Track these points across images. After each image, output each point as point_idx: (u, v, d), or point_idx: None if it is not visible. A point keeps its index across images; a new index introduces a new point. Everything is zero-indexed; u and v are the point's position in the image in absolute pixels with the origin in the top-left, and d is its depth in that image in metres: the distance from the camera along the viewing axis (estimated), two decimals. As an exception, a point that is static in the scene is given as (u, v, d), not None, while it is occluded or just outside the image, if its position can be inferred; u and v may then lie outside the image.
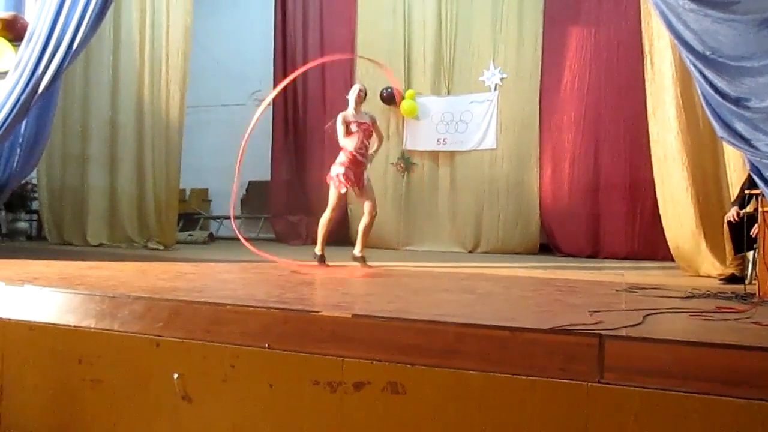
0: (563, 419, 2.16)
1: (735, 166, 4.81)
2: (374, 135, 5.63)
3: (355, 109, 5.54)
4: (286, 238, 9.09)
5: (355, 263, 5.48)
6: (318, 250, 5.54)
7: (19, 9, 5.98)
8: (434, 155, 8.53)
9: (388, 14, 8.68)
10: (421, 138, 8.58)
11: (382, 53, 8.52)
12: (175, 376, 2.69)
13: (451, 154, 8.43)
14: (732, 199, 4.77)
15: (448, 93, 8.47)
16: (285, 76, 9.42)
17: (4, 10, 5.90)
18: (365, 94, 5.66)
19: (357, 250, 5.52)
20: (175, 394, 2.69)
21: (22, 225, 8.66)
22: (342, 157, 5.43)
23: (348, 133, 5.43)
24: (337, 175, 5.37)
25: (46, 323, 3.03)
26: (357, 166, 5.43)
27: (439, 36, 8.46)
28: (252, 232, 10.15)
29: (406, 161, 8.59)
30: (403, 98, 8.04)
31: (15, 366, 3.04)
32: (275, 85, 9.48)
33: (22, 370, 3.02)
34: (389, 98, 8.44)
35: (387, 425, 2.39)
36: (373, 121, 5.64)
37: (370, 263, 5.53)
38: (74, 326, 2.97)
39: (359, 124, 5.48)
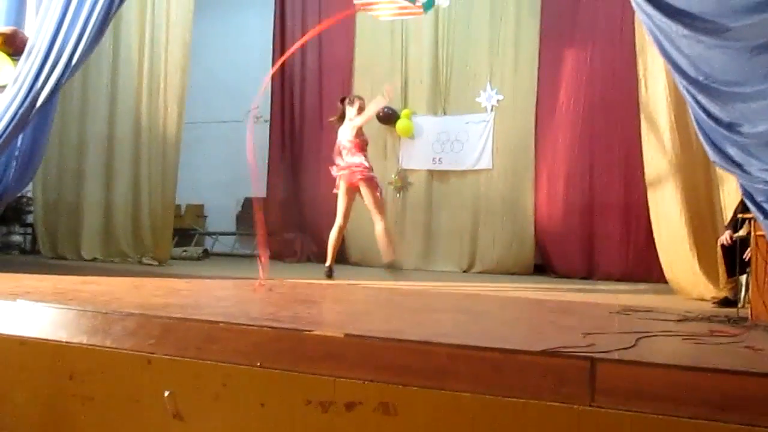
0: (555, 442, 2.16)
1: (728, 190, 4.85)
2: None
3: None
4: (281, 256, 9.08)
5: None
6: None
7: (19, 24, 6.01)
8: (429, 174, 8.57)
9: (386, 35, 8.74)
10: (416, 157, 8.62)
11: (380, 73, 8.59)
12: (167, 393, 2.68)
13: (447, 173, 8.47)
14: (725, 223, 4.80)
15: (444, 113, 8.53)
16: (283, 93, 9.52)
17: (4, 25, 5.92)
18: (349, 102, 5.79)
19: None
20: (166, 412, 2.67)
21: (16, 238, 8.64)
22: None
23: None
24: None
25: (37, 338, 3.01)
26: None
27: (436, 57, 8.53)
28: (247, 248, 10.15)
29: (402, 181, 8.60)
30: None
31: (5, 381, 3.02)
32: (273, 103, 9.57)
33: (12, 385, 3.00)
34: (386, 117, 8.49)
35: (378, 446, 2.37)
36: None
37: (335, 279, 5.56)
38: (66, 342, 2.96)
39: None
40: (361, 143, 5.63)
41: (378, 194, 5.56)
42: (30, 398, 2.96)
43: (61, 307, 3.17)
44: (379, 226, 5.47)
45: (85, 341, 2.93)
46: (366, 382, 2.40)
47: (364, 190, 5.46)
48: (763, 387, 2.07)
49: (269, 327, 2.75)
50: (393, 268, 5.40)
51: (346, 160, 5.60)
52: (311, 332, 2.66)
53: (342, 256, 8.11)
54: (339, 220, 5.57)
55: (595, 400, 2.15)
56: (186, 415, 2.66)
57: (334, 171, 5.62)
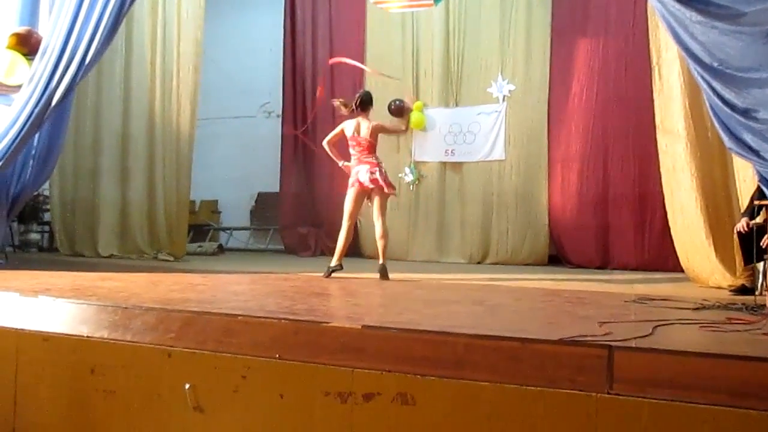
0: (573, 430, 2.17)
1: (744, 177, 4.80)
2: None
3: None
4: (296, 250, 9.13)
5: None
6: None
7: (33, 24, 6.05)
8: (442, 166, 8.56)
9: (397, 27, 8.74)
10: (429, 149, 8.62)
11: (391, 66, 8.57)
12: (187, 386, 2.71)
13: (459, 165, 8.46)
14: (741, 210, 4.77)
15: (456, 105, 8.51)
16: (294, 88, 9.54)
17: (19, 25, 5.97)
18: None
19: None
20: (187, 405, 2.71)
21: (34, 236, 8.73)
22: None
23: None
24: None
25: (59, 334, 3.06)
26: None
27: (447, 49, 8.51)
28: (261, 243, 10.21)
29: (414, 173, 8.60)
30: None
31: (29, 376, 3.07)
32: (284, 98, 9.59)
33: (36, 380, 3.05)
34: (397, 110, 8.47)
35: (397, 436, 2.39)
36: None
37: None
38: (87, 337, 3.00)
39: None
40: (373, 144, 5.63)
41: (386, 199, 5.58)
42: (53, 392, 3.01)
43: (81, 302, 3.21)
44: (379, 229, 5.51)
45: (106, 336, 2.98)
46: (384, 373, 2.42)
47: (375, 197, 5.50)
48: (782, 373, 2.06)
49: (287, 320, 2.78)
50: (383, 273, 5.43)
51: (360, 160, 5.58)
52: (329, 324, 2.69)
53: (356, 250, 8.14)
54: (346, 222, 5.59)
55: (613, 388, 2.15)
56: (206, 408, 2.70)
57: (352, 175, 5.59)
